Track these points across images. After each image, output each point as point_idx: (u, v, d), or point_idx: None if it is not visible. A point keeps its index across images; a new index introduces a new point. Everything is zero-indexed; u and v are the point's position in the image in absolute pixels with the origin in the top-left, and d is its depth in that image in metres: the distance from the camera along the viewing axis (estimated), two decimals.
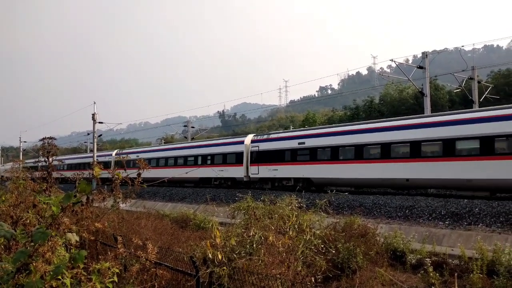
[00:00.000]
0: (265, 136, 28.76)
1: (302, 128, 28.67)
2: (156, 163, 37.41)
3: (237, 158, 29.16)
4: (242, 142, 29.57)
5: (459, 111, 21.89)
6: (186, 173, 29.27)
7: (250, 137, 29.99)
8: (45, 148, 4.10)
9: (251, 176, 27.82)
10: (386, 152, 20.57)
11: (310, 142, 24.55)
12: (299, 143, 25.08)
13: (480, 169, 16.98)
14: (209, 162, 31.75)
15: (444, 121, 18.87)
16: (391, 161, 20.27)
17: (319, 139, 24.24)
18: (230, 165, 29.75)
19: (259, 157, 27.43)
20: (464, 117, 18.37)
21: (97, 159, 43.07)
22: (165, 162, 36.67)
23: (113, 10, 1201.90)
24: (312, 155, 24.15)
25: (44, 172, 4.02)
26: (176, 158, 35.80)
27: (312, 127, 32.08)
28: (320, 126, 29.88)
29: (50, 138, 4.24)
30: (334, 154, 23.02)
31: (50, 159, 4.00)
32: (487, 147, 16.92)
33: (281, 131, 27.64)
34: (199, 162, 32.58)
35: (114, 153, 45.59)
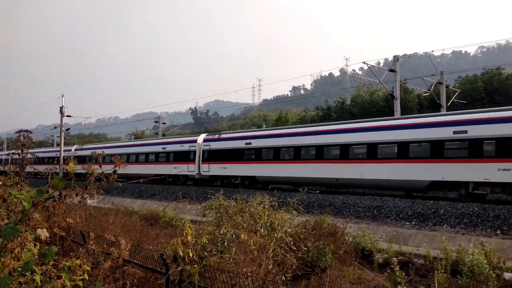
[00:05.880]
0: None
1: None
2: (274, 155, 25.58)
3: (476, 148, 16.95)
4: (496, 120, 16.47)
5: None
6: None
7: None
8: (19, 141, 4.00)
9: None
10: None
11: None
12: None
13: None
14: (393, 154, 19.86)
15: None
16: None
17: None
18: (454, 160, 17.60)
19: None
20: None
21: (176, 148, 33.14)
22: (295, 154, 24.52)
23: None
24: None
25: (17, 166, 3.92)
26: (321, 147, 23.19)
27: None
28: None
29: (26, 131, 4.14)
30: None
31: (24, 152, 3.90)
32: None
33: None
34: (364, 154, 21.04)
35: (200, 138, 31.67)
